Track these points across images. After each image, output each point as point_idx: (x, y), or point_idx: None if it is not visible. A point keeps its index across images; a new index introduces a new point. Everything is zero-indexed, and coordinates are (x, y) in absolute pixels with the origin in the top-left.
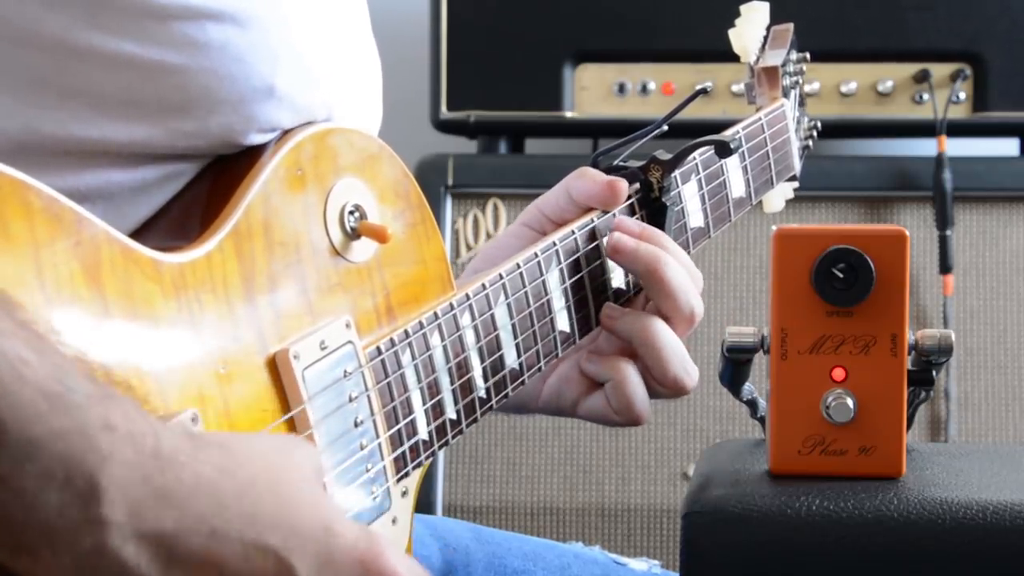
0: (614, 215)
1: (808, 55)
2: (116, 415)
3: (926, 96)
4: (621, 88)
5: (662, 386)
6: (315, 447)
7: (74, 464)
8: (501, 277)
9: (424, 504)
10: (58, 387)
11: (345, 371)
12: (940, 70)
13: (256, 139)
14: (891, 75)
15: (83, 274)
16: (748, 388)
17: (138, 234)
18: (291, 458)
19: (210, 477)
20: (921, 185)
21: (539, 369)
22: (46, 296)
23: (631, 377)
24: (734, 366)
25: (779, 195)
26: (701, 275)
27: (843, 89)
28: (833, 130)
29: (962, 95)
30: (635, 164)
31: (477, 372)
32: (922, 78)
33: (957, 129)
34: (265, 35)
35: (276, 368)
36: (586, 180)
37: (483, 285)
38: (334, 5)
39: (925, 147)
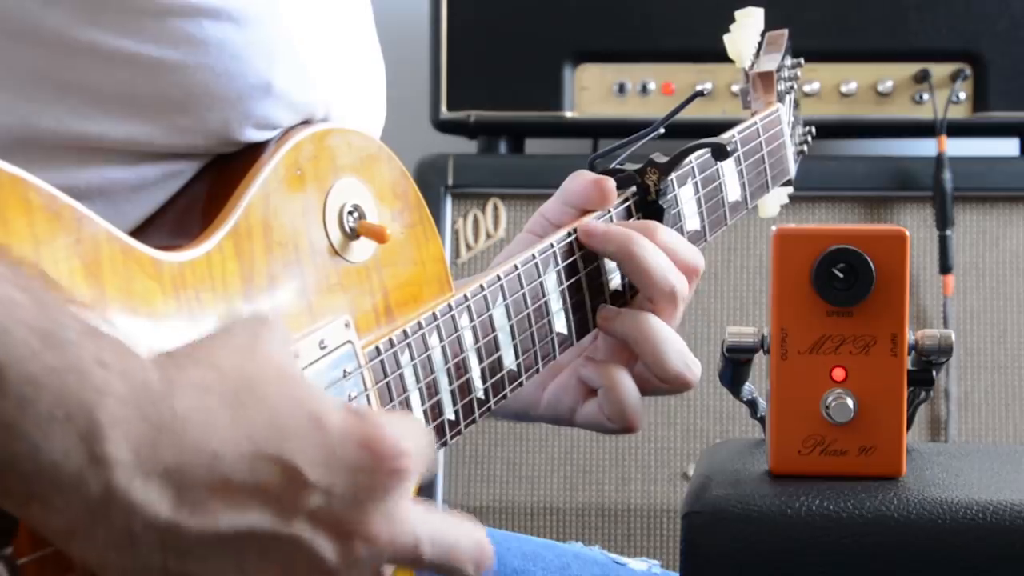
0: (611, 217)
1: (803, 60)
2: (107, 351)
3: (926, 96)
4: (621, 88)
5: (664, 382)
6: (278, 322)
7: (72, 402)
8: (499, 279)
9: None
10: (50, 324)
11: (344, 371)
12: (940, 70)
13: (254, 136)
14: (891, 75)
15: (83, 272)
16: (748, 388)
17: (138, 233)
18: (261, 353)
19: (197, 402)
20: (921, 185)
21: (537, 371)
22: (47, 282)
23: (623, 382)
24: (734, 366)
25: (774, 200)
26: (700, 256)
27: (843, 89)
28: (833, 130)
29: (962, 95)
30: (632, 167)
31: (475, 373)
32: (922, 78)
33: (957, 129)
34: (262, 33)
35: None
36: (577, 181)
37: (481, 286)
38: (334, 5)
39: (925, 147)
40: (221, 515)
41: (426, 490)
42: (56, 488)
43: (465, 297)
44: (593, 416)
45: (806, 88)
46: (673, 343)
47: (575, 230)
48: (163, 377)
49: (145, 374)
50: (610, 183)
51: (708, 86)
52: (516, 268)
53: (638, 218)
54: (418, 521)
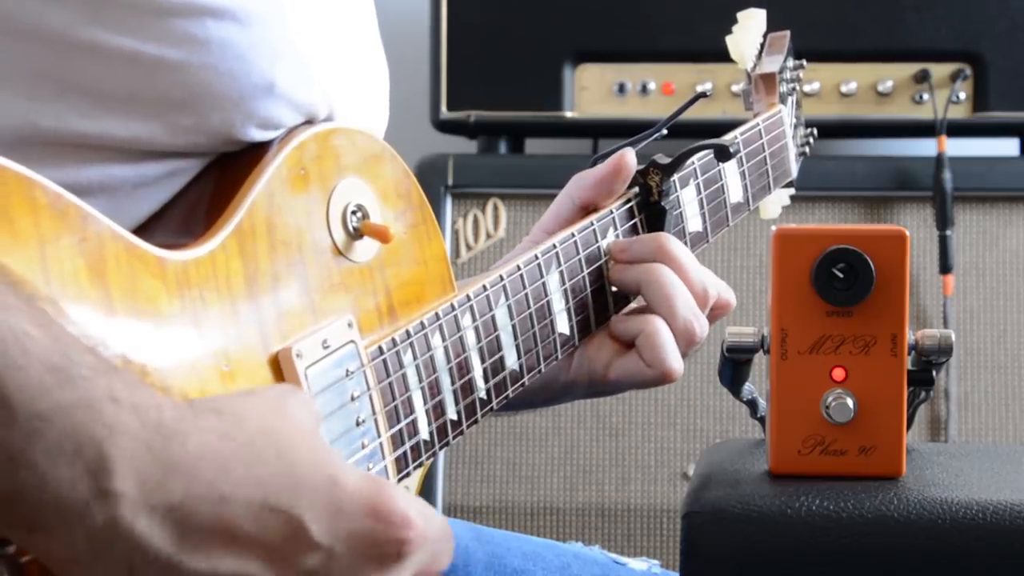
0: (613, 218)
1: (805, 61)
2: (120, 388)
3: (926, 96)
4: (621, 88)
5: (673, 331)
6: (307, 393)
7: (82, 437)
8: (502, 279)
9: None
10: (63, 360)
11: (347, 370)
12: (940, 70)
13: (257, 136)
14: (891, 75)
15: (88, 270)
16: (748, 388)
17: (142, 231)
18: (286, 412)
19: (212, 444)
20: (921, 185)
21: (539, 371)
22: (51, 292)
23: (661, 328)
24: (734, 366)
25: (775, 202)
26: (704, 275)
27: (843, 89)
28: (833, 130)
29: (962, 95)
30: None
31: (478, 373)
32: (922, 78)
33: (957, 129)
34: (265, 32)
35: (279, 366)
36: (587, 177)
37: (484, 286)
38: (337, 5)
39: (925, 147)
40: (221, 559)
41: (426, 490)
42: (61, 519)
43: (468, 297)
44: (631, 367)
45: (806, 88)
46: (682, 291)
47: (579, 231)
48: (177, 416)
49: (159, 412)
50: (629, 155)
51: (708, 86)
52: (519, 268)
53: (640, 219)
54: None
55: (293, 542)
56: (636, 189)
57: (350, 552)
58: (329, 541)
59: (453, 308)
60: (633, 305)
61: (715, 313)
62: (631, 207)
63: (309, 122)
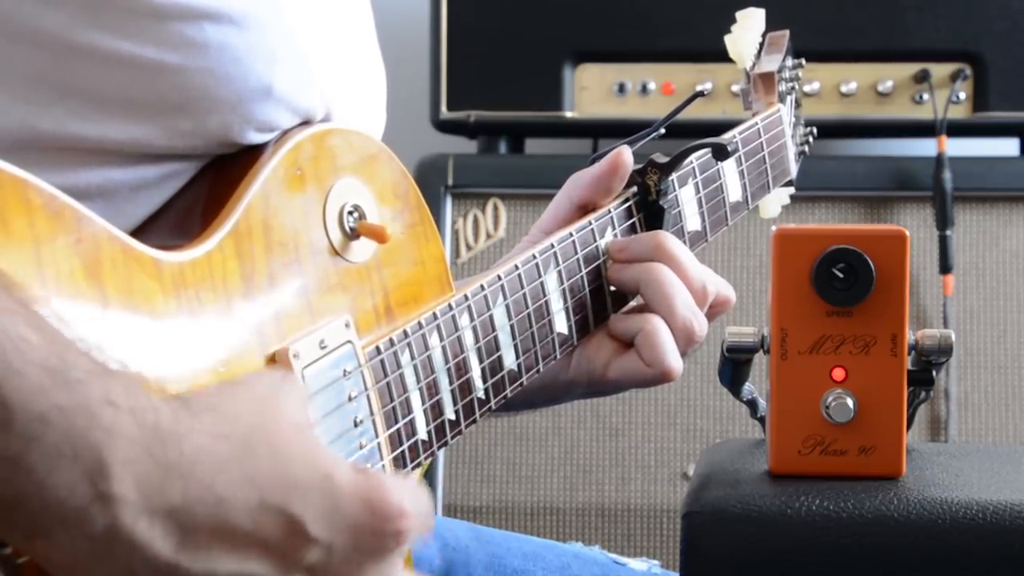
0: (612, 217)
1: (804, 60)
2: (117, 391)
3: (926, 96)
4: (621, 88)
5: (672, 330)
6: (300, 383)
7: (80, 441)
8: (499, 279)
9: None
10: (59, 363)
11: (344, 370)
12: (940, 70)
13: (254, 138)
14: (891, 75)
15: (83, 271)
16: (748, 388)
17: (138, 233)
18: (279, 407)
19: (209, 446)
20: (921, 185)
21: (537, 371)
22: (46, 292)
23: (661, 328)
24: (734, 366)
25: (775, 201)
26: (703, 273)
27: (843, 89)
28: (833, 130)
29: (962, 95)
30: (632, 167)
31: (476, 373)
32: (922, 78)
33: (957, 129)
34: (263, 36)
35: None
36: (584, 176)
37: (481, 286)
38: (334, 9)
39: (925, 147)
40: (221, 561)
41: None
42: (60, 524)
43: (465, 297)
44: (630, 367)
45: (806, 88)
46: (680, 289)
47: (576, 231)
48: (174, 419)
49: (156, 415)
50: (625, 152)
51: (708, 86)
52: (517, 268)
53: (639, 218)
54: None
55: (292, 540)
56: (634, 188)
57: (349, 546)
58: (327, 537)
59: (451, 308)
60: (632, 304)
61: (715, 310)
62: (629, 206)
63: (306, 123)
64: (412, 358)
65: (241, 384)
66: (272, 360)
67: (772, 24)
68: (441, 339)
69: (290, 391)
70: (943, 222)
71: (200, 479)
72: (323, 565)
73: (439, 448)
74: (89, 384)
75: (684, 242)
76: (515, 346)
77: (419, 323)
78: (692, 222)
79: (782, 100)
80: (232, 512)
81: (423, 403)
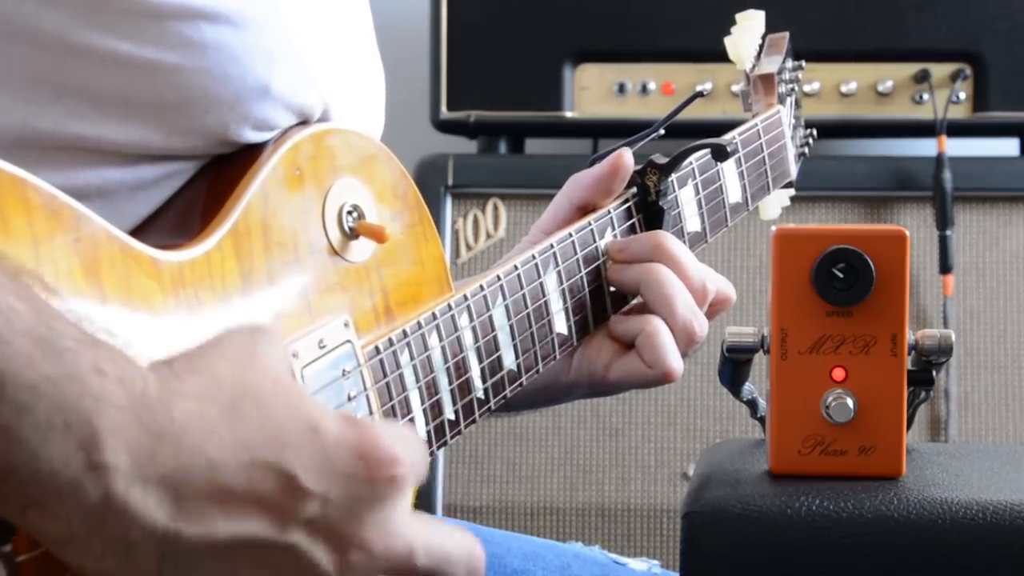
0: (611, 218)
1: (804, 62)
2: (105, 359)
3: (926, 96)
4: (621, 88)
5: (672, 330)
6: (275, 330)
7: (72, 411)
8: (499, 279)
9: (424, 504)
10: (48, 332)
11: (344, 370)
12: (940, 70)
13: (252, 137)
14: (891, 75)
15: (82, 270)
16: (748, 388)
17: (137, 232)
18: (258, 362)
19: (196, 410)
20: (921, 185)
21: (537, 371)
22: (45, 291)
23: (661, 328)
24: (734, 366)
25: (775, 202)
26: (702, 271)
27: (843, 89)
28: (833, 130)
29: (962, 95)
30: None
31: (475, 373)
32: (922, 78)
33: (957, 129)
34: (261, 35)
35: None
36: (584, 177)
37: (481, 286)
38: (332, 9)
39: (925, 147)
40: (219, 523)
41: (426, 491)
42: (54, 495)
43: (465, 297)
44: (630, 368)
45: (806, 88)
46: (681, 289)
47: (576, 231)
48: (161, 385)
49: (144, 383)
50: (625, 155)
51: (708, 86)
52: (516, 268)
53: (638, 219)
54: (413, 530)
55: (288, 495)
56: (634, 189)
57: (344, 496)
58: (323, 488)
59: (450, 308)
60: (632, 304)
61: (715, 308)
62: (629, 207)
63: (304, 123)
64: (411, 358)
65: (220, 342)
66: None
67: (772, 24)
68: (440, 339)
69: (269, 343)
70: (943, 222)
71: (191, 444)
72: (321, 517)
73: (438, 448)
74: (78, 353)
75: (684, 243)
76: (514, 346)
77: (418, 323)
78: (692, 223)
79: (782, 102)
80: (225, 474)
81: (422, 403)
